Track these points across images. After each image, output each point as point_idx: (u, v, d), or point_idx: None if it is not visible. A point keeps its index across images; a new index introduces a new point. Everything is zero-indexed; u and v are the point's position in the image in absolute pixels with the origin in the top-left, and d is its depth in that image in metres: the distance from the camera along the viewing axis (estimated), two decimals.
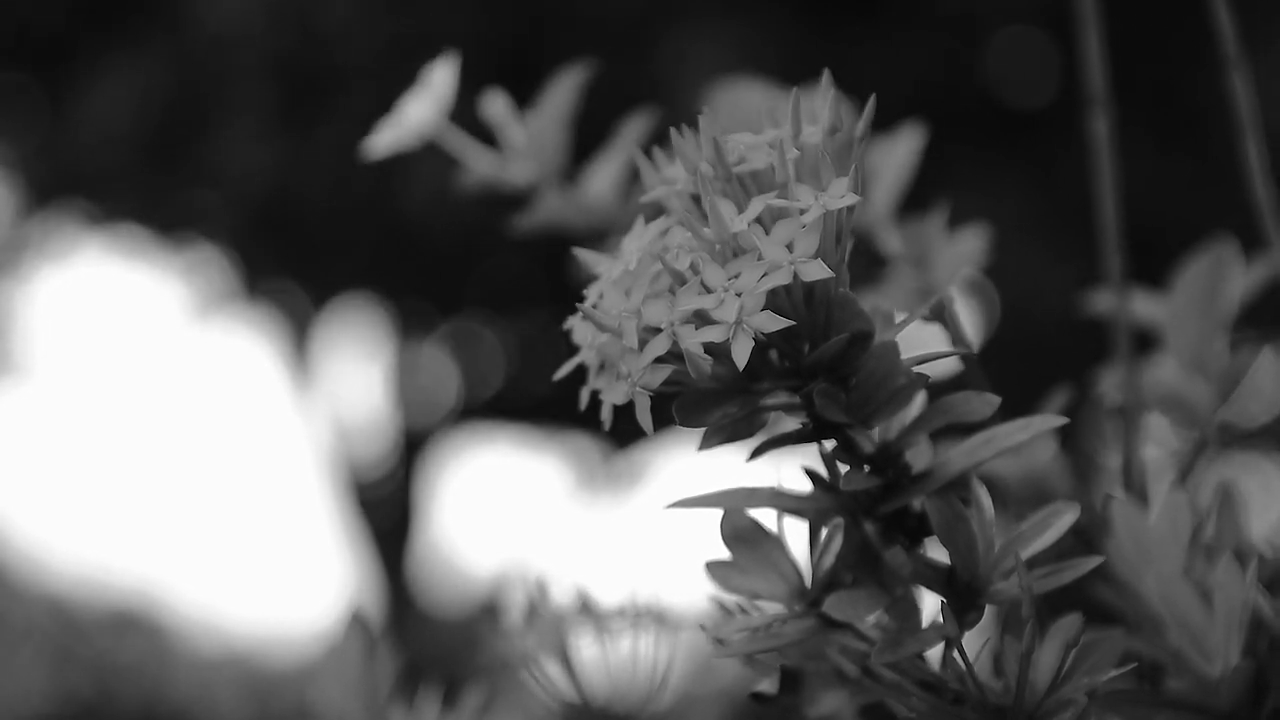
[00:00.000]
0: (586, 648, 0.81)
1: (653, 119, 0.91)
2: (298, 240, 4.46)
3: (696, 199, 0.59)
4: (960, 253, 0.85)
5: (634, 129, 0.92)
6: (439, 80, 0.90)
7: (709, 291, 0.56)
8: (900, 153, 0.88)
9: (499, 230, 0.94)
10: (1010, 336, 3.88)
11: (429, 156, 0.94)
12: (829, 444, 0.60)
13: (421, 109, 0.90)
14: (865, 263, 0.86)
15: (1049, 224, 3.81)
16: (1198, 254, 0.84)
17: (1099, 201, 0.85)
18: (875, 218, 0.87)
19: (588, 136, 0.96)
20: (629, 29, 3.79)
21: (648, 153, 0.63)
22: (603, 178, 0.93)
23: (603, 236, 0.91)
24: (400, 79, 0.91)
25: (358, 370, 5.42)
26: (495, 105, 0.93)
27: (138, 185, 4.35)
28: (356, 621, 0.79)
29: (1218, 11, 0.82)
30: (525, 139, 0.92)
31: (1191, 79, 3.69)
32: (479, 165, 0.93)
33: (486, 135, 0.94)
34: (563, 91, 0.92)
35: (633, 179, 0.91)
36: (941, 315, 0.65)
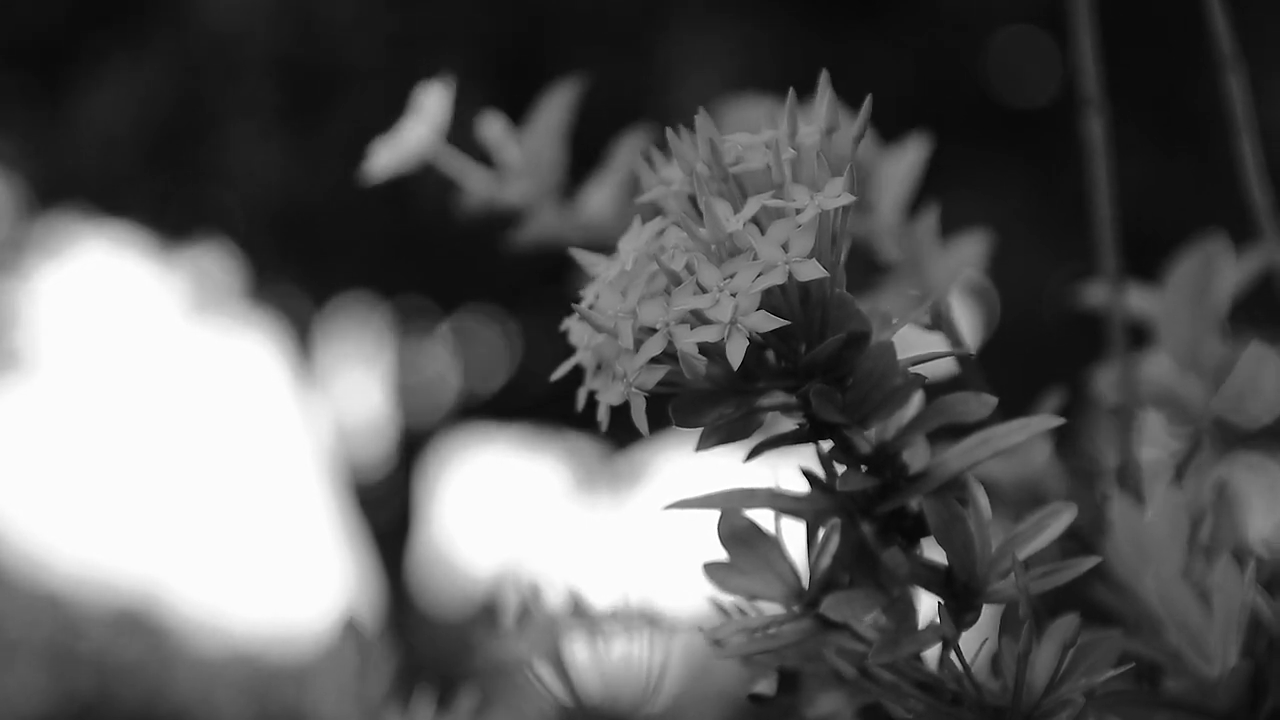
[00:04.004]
0: (580, 650, 0.81)
1: (649, 135, 0.90)
2: (301, 239, 4.46)
3: (693, 199, 0.59)
4: (958, 258, 0.84)
5: (631, 145, 0.90)
6: (433, 103, 0.90)
7: (704, 291, 0.55)
8: (906, 163, 0.87)
9: (500, 231, 0.94)
10: (1010, 335, 3.88)
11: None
12: (826, 444, 0.60)
13: (418, 132, 0.89)
14: (867, 269, 0.86)
15: (1049, 223, 3.81)
16: (1189, 250, 0.84)
17: (1094, 201, 0.85)
18: (881, 226, 0.86)
19: (588, 137, 0.96)
20: (629, 28, 3.79)
21: (648, 162, 0.63)
22: (600, 195, 0.92)
23: (601, 252, 0.90)
24: (403, 78, 0.91)
25: (359, 370, 5.42)
26: (492, 126, 0.92)
27: (141, 185, 4.35)
28: (351, 627, 0.80)
29: (1214, 13, 0.81)
30: (521, 158, 0.91)
31: (1193, 81, 3.69)
32: (477, 186, 0.92)
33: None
34: (556, 107, 0.91)
35: (630, 194, 0.90)
36: (938, 322, 0.64)
